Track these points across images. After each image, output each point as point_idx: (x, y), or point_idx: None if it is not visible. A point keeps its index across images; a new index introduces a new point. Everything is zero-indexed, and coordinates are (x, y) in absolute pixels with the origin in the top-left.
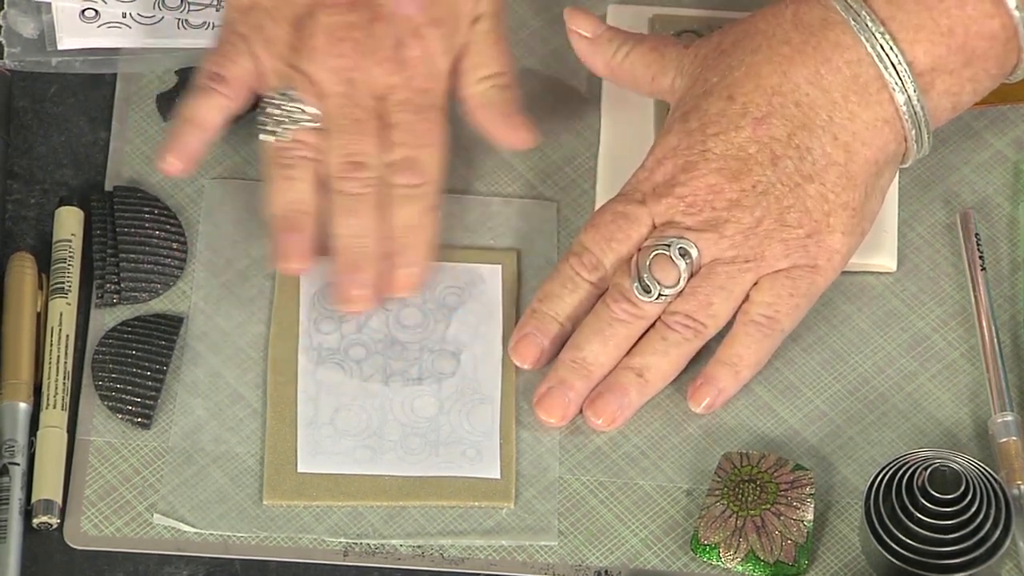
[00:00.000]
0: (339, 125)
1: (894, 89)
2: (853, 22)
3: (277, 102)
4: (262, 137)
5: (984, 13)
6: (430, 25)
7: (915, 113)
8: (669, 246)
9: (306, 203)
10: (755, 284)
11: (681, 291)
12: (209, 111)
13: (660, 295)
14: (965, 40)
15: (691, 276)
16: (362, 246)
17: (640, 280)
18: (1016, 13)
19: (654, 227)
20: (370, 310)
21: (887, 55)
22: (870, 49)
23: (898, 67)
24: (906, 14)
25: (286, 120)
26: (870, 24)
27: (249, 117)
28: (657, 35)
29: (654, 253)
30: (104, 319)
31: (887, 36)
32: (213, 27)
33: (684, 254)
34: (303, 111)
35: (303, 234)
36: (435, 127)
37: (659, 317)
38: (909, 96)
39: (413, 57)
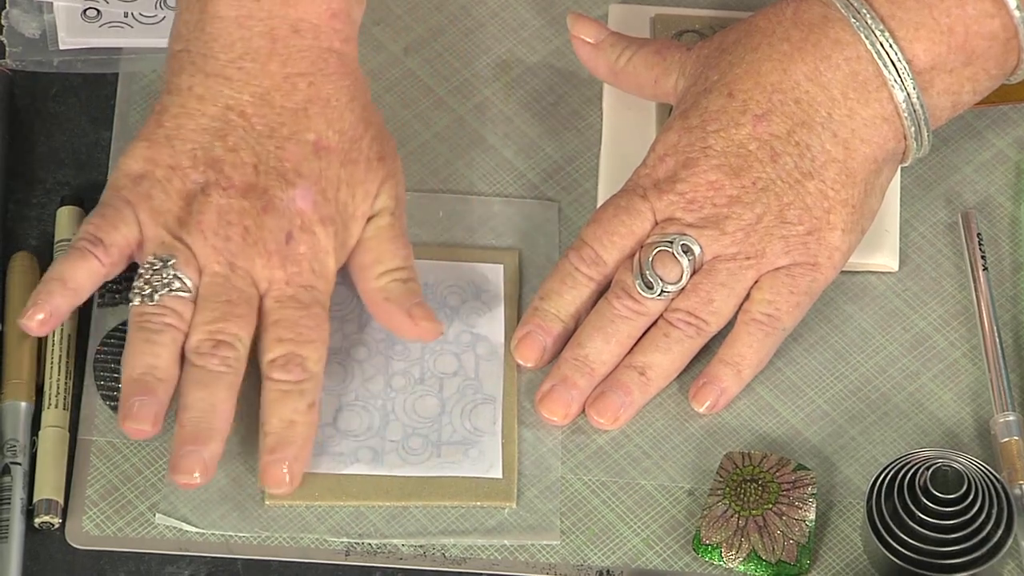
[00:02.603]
0: (211, 303)
1: (893, 86)
2: (853, 19)
3: (156, 267)
4: (134, 302)
5: (984, 13)
6: (321, 223)
7: (914, 111)
8: (672, 243)
9: (162, 370)
10: (756, 283)
11: (683, 288)
12: (82, 275)
13: (662, 292)
14: (965, 39)
15: (693, 273)
16: (207, 421)
17: (642, 276)
18: (1016, 13)
19: (655, 223)
20: (200, 484)
21: (886, 52)
22: (869, 46)
23: (897, 64)
24: (906, 12)
25: (160, 286)
26: (870, 21)
27: None
28: (659, 39)
29: (657, 249)
30: (106, 319)
31: (887, 33)
32: None
33: (687, 251)
34: (179, 280)
35: (153, 399)
36: (318, 323)
37: (661, 315)
38: (908, 94)
39: (300, 253)
